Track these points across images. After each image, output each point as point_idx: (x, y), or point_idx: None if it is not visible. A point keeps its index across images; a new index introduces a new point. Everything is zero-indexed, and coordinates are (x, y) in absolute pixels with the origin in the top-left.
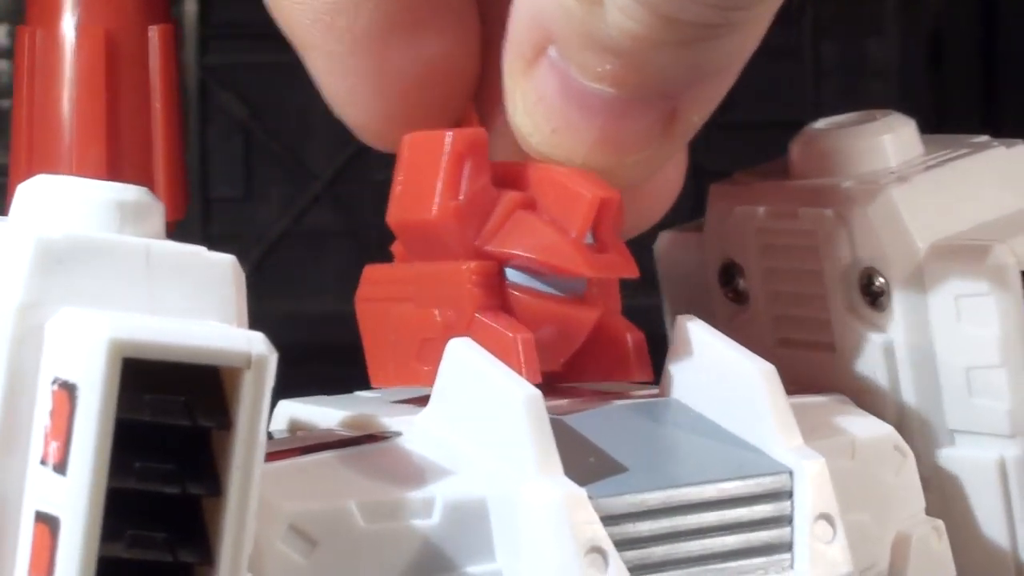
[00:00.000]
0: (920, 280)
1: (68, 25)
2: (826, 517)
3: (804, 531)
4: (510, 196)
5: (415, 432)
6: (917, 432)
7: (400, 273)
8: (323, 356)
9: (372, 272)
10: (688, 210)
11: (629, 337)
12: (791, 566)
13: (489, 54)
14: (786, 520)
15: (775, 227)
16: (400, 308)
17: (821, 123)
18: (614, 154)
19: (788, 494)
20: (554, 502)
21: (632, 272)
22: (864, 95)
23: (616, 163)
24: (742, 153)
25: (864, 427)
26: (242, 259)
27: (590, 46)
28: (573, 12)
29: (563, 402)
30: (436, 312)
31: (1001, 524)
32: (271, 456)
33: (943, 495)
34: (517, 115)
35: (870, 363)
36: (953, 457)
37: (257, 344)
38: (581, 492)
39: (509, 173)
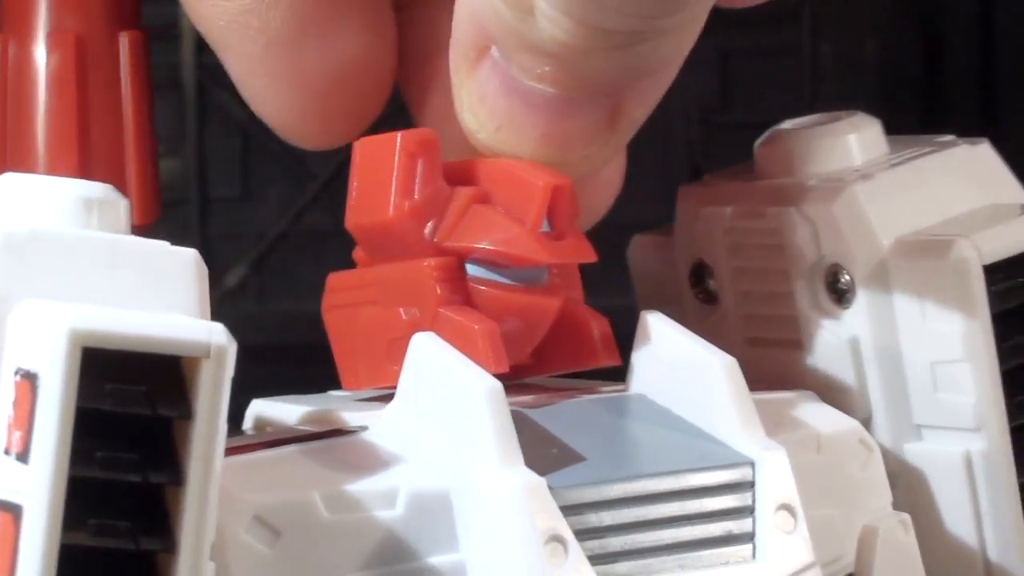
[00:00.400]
0: (885, 276)
1: (40, 32)
2: (787, 508)
3: (766, 522)
4: (464, 191)
5: (381, 426)
6: (884, 428)
7: (363, 278)
8: (321, 356)
9: (335, 280)
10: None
11: (593, 323)
12: (753, 556)
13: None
14: (748, 511)
15: (742, 227)
16: (366, 311)
17: (787, 124)
18: (560, 150)
19: (750, 485)
20: (514, 492)
21: (589, 256)
22: (862, 95)
23: (562, 158)
24: (739, 153)
25: (829, 422)
26: (241, 259)
27: (526, 49)
28: (506, 18)
29: (528, 397)
30: (401, 311)
31: (968, 518)
32: (238, 449)
33: (911, 490)
34: (464, 112)
35: (837, 360)
36: (920, 452)
37: (217, 335)
38: (541, 482)
39: (461, 170)
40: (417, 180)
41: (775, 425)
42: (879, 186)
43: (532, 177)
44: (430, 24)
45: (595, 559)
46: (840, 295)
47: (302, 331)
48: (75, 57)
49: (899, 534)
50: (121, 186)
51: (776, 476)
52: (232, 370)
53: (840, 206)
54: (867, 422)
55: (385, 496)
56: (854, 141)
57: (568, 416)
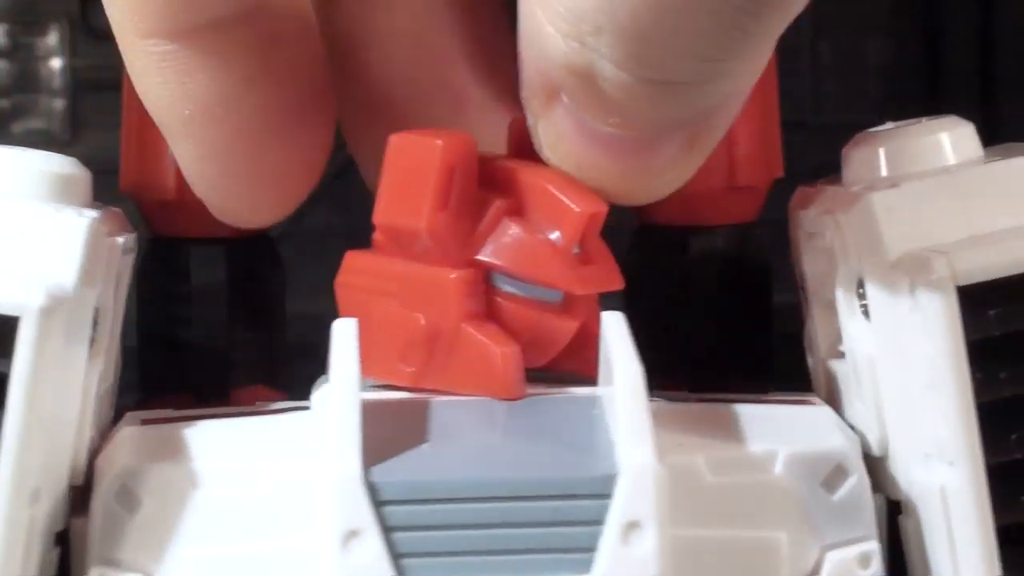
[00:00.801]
0: (892, 291)
1: None
2: (636, 524)
3: (612, 535)
4: (498, 204)
5: (314, 407)
6: (897, 452)
7: (384, 267)
8: (321, 356)
9: (355, 260)
10: None
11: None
12: (589, 567)
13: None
14: (597, 523)
15: (813, 232)
16: (383, 303)
17: (880, 127)
18: (641, 181)
19: (606, 497)
20: (326, 482)
21: (616, 284)
22: (862, 95)
23: (644, 187)
24: None
25: (810, 441)
26: None
27: (592, 104)
28: (569, 79)
29: None
30: (420, 316)
31: (945, 558)
32: (155, 420)
33: (912, 521)
34: (544, 149)
35: (863, 377)
36: (915, 482)
37: (35, 295)
38: (353, 474)
39: (498, 173)
40: (453, 192)
41: (734, 438)
42: (903, 195)
43: (571, 201)
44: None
45: (410, 555)
46: (865, 307)
47: (302, 331)
48: None
49: (852, 566)
50: None
51: (633, 491)
52: (58, 331)
53: (857, 214)
54: (882, 445)
55: (249, 476)
56: (928, 143)
57: (481, 412)
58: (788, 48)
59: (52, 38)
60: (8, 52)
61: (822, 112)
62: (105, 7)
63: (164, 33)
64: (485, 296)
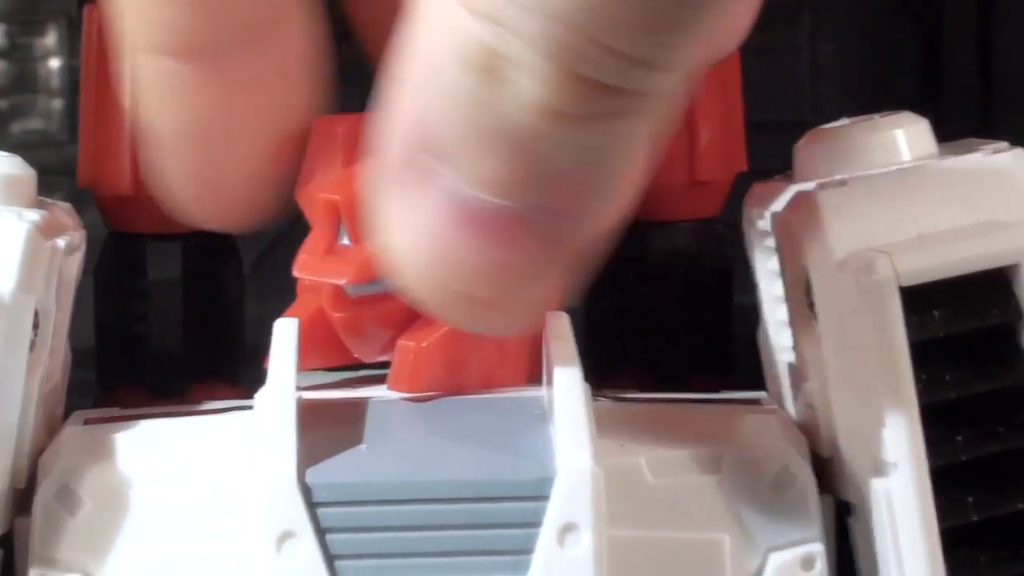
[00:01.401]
0: (837, 292)
1: None
2: (573, 526)
3: (548, 537)
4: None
5: (256, 408)
6: (845, 454)
7: None
8: None
9: None
10: None
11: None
12: (525, 570)
13: None
14: (534, 525)
15: (764, 230)
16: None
17: (831, 124)
18: (497, 283)
19: (543, 499)
20: (260, 483)
21: (344, 277)
22: (862, 95)
23: (499, 295)
24: None
25: (755, 443)
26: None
27: (480, 139)
28: (460, 93)
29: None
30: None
31: (891, 562)
32: (103, 419)
33: (863, 523)
34: (385, 238)
35: (811, 377)
36: (864, 483)
37: None
38: (287, 475)
39: None
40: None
41: (677, 438)
42: (851, 193)
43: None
44: None
45: (345, 557)
46: (812, 307)
47: None
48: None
49: (795, 569)
50: None
51: (569, 494)
52: None
53: (803, 213)
54: (833, 448)
55: (188, 477)
56: (881, 140)
57: (419, 413)
58: (788, 48)
59: (50, 38)
60: (6, 52)
61: (822, 112)
62: (116, 19)
63: (172, 52)
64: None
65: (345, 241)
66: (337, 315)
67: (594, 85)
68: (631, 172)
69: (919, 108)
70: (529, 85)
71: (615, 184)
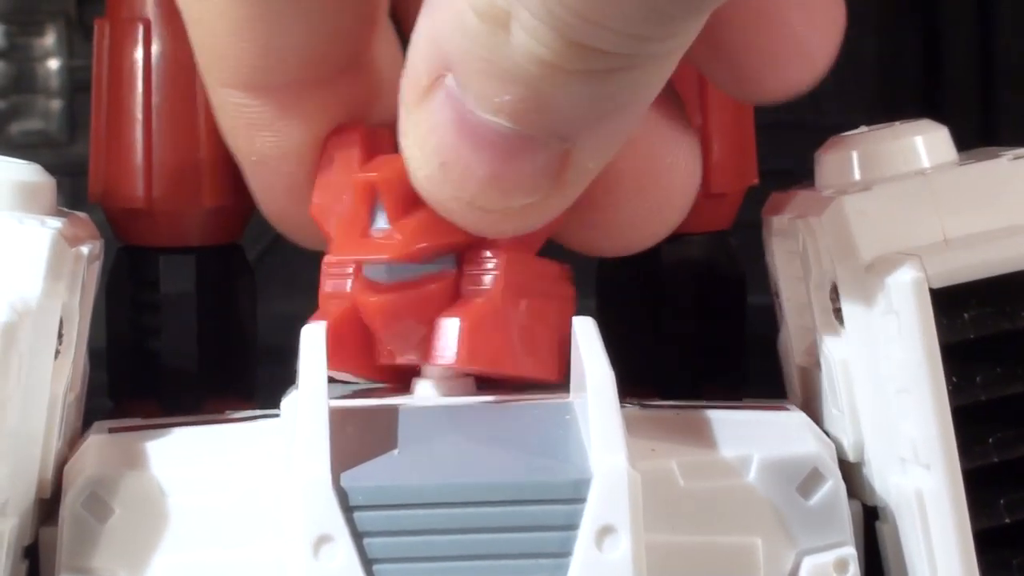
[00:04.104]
0: (865, 295)
1: (138, 16)
2: (610, 529)
3: (586, 540)
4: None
5: (284, 414)
6: (873, 457)
7: None
8: None
9: None
10: None
11: None
12: (563, 572)
13: None
14: (572, 528)
15: (786, 236)
16: None
17: (851, 132)
18: (502, 196)
19: (580, 502)
20: (295, 487)
21: (391, 252)
22: (862, 95)
23: (503, 204)
24: None
25: (784, 446)
26: None
27: (490, 73)
28: (475, 35)
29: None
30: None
31: (923, 564)
32: (127, 428)
33: (890, 526)
34: (408, 146)
35: (837, 382)
36: (893, 486)
37: (1, 312)
38: (322, 478)
39: None
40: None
41: (708, 443)
42: (876, 198)
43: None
44: None
45: (382, 561)
46: (838, 312)
47: (300, 333)
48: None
49: (829, 572)
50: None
51: (607, 496)
52: (14, 345)
53: (829, 218)
54: (857, 450)
55: (220, 484)
56: (901, 146)
57: (451, 417)
58: None
59: (49, 39)
60: (5, 53)
61: (822, 112)
62: (193, 50)
63: (241, 87)
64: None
65: (381, 224)
66: (372, 300)
67: (591, 50)
68: (631, 108)
69: (919, 108)
70: (532, 43)
71: (612, 118)
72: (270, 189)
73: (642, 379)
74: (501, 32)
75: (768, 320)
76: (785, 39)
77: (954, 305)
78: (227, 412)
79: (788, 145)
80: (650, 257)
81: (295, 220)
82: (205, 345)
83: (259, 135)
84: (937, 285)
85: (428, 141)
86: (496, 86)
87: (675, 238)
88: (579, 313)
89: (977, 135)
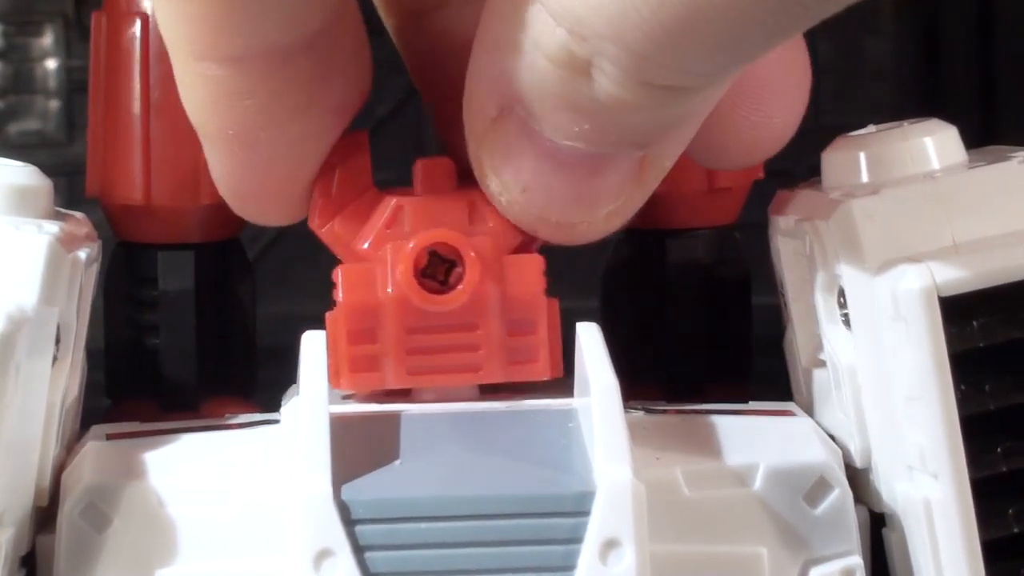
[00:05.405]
0: (872, 300)
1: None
2: (614, 542)
3: (590, 553)
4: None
5: (284, 421)
6: (880, 463)
7: None
8: None
9: None
10: None
11: None
12: None
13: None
14: (575, 541)
15: (792, 237)
16: None
17: (859, 132)
18: (589, 208)
19: (584, 515)
20: (296, 501)
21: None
22: (862, 95)
23: (590, 216)
24: None
25: (790, 454)
26: None
27: (566, 108)
28: (551, 78)
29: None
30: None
31: (931, 573)
32: (125, 435)
33: (897, 534)
34: (486, 176)
35: (844, 386)
36: (900, 494)
37: None
38: (323, 492)
39: None
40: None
41: (713, 451)
42: (884, 201)
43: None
44: (459, 21)
45: (384, 575)
46: (846, 316)
47: (299, 333)
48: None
49: None
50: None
51: (611, 509)
52: (12, 352)
53: (836, 221)
54: (864, 456)
55: (219, 494)
56: (910, 147)
57: (453, 425)
58: None
59: (47, 39)
60: (3, 53)
61: (822, 112)
62: (160, 26)
63: (216, 58)
64: None
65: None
66: None
67: (662, 87)
68: (705, 112)
69: (919, 108)
70: (613, 87)
71: (687, 123)
72: (244, 165)
73: (646, 376)
74: (581, 78)
75: (773, 320)
76: (753, 115)
77: (963, 313)
78: (226, 415)
79: (788, 146)
80: (656, 251)
81: (262, 195)
82: (204, 342)
83: (237, 106)
84: (946, 294)
85: (505, 168)
86: (573, 118)
87: (680, 233)
88: (581, 312)
89: (977, 135)
